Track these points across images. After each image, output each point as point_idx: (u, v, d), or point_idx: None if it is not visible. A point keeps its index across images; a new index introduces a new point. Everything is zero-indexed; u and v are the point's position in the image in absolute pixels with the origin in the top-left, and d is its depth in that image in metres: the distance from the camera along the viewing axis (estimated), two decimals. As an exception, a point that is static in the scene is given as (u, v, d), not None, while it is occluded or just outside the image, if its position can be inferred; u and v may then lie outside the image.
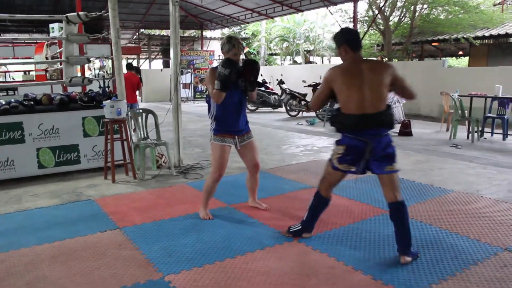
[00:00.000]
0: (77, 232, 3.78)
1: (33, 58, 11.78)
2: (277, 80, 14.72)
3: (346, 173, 3.25)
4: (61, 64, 7.02)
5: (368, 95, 3.00)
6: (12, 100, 5.80)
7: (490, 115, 8.73)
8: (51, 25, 8.33)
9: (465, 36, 15.63)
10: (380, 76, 3.05)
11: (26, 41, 16.11)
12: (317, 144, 8.28)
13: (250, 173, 4.24)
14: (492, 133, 8.82)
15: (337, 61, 25.41)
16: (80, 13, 6.27)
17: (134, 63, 21.39)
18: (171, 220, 4.05)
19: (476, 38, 15.55)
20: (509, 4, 18.72)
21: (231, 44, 3.80)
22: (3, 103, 5.58)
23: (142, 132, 6.10)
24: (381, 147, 3.04)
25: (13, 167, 5.47)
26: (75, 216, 4.26)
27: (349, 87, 3.02)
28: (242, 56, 3.99)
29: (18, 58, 13.16)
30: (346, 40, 3.13)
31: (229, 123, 3.95)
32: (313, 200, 3.48)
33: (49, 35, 8.24)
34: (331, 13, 15.85)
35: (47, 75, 11.33)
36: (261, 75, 17.72)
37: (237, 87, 3.87)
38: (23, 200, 4.82)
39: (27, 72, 13.62)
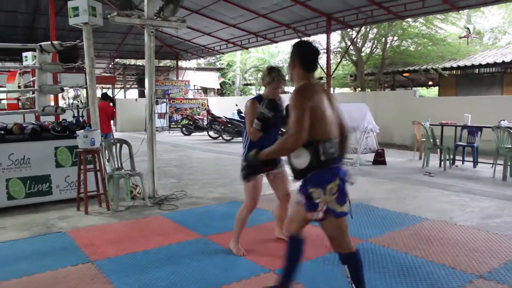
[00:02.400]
0: (47, 266, 3.64)
1: (5, 87, 11.56)
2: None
3: (343, 216, 2.72)
4: (33, 93, 6.91)
5: (333, 118, 2.63)
6: (-18, 129, 5.65)
7: (461, 143, 8.96)
8: (24, 54, 8.24)
9: (434, 67, 16.19)
10: (334, 100, 2.75)
11: (-2, 70, 15.83)
12: (289, 174, 8.30)
13: (280, 203, 4.15)
14: (463, 160, 9.04)
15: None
16: (54, 42, 6.23)
17: (109, 93, 21.26)
18: (145, 253, 3.95)
19: (445, 69, 16.13)
20: (474, 37, 19.55)
21: (271, 77, 3.68)
22: (-28, 132, 5.43)
23: (116, 162, 6.00)
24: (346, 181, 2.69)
25: (-20, 199, 5.29)
26: (45, 249, 4.12)
27: (322, 109, 2.54)
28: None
29: (-11, 87, 12.89)
30: (304, 59, 2.67)
31: None
32: (291, 248, 2.92)
33: (22, 64, 8.13)
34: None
35: (19, 104, 11.12)
36: (236, 105, 17.90)
37: (274, 125, 3.74)
38: (-10, 233, 4.64)
39: (-2, 101, 13.33)
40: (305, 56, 2.63)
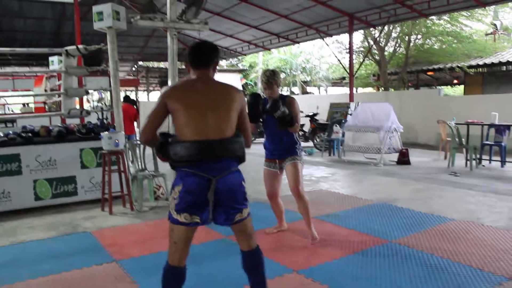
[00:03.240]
0: (73, 265, 3.71)
1: (32, 91, 11.88)
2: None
3: (192, 227, 2.40)
4: (59, 96, 7.06)
5: (214, 118, 2.39)
6: (10, 132, 5.81)
7: (488, 142, 8.75)
8: (50, 58, 8.43)
9: (459, 65, 15.86)
10: (228, 98, 2.49)
11: (26, 74, 16.27)
12: (315, 174, 8.26)
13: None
14: (490, 160, 8.83)
15: (334, 91, 25.72)
16: (79, 46, 6.36)
17: (133, 95, 21.55)
18: (167, 254, 3.97)
19: (470, 67, 15.78)
20: (501, 34, 19.08)
21: (261, 79, 4.14)
22: (1, 135, 5.59)
23: (140, 164, 6.07)
24: (227, 188, 2.37)
25: (9, 199, 5.42)
26: (71, 248, 4.19)
27: (190, 107, 2.38)
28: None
29: (17, 91, 13.26)
30: (189, 57, 2.57)
31: (269, 149, 4.27)
32: (164, 278, 2.54)
33: (48, 68, 8.33)
34: (327, 44, 16.08)
35: (46, 107, 11.40)
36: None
37: (273, 119, 3.98)
38: (18, 232, 4.76)
39: (26, 105, 13.70)
40: (189, 54, 2.57)
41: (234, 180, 2.42)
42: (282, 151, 4.16)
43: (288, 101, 4.03)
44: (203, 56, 2.54)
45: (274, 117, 3.89)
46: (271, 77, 4.00)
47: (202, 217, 2.37)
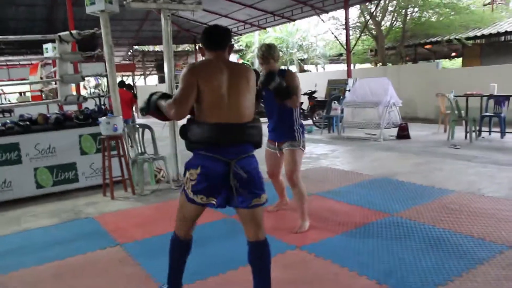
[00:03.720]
0: (78, 250, 3.73)
1: (28, 79, 11.79)
2: None
3: (205, 207, 2.49)
4: (55, 84, 7.01)
5: (236, 100, 2.38)
6: (8, 121, 5.78)
7: (487, 114, 8.73)
8: (44, 46, 8.33)
9: (457, 37, 15.71)
10: (245, 79, 2.46)
11: (20, 63, 16.13)
12: (315, 151, 8.26)
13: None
14: (489, 131, 8.82)
15: (332, 68, 25.57)
16: (72, 31, 6.28)
17: (129, 80, 21.43)
18: (171, 234, 3.99)
19: (468, 38, 15.63)
20: (499, 3, 18.86)
21: (257, 55, 3.99)
22: (-1, 124, 5.56)
23: (139, 147, 6.07)
24: (245, 171, 2.37)
25: (10, 188, 5.43)
26: (74, 234, 4.22)
27: (215, 88, 2.35)
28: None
29: (13, 80, 13.17)
30: (204, 40, 2.54)
31: (270, 130, 4.14)
32: (171, 248, 2.67)
33: (43, 56, 8.24)
34: (323, 21, 15.92)
35: (43, 95, 11.33)
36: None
37: (269, 97, 3.86)
38: (21, 221, 4.78)
39: (22, 94, 13.62)
40: (205, 37, 2.52)
41: (251, 164, 2.42)
42: (280, 131, 3.99)
43: (287, 74, 3.84)
44: (219, 37, 2.52)
45: (270, 90, 3.66)
46: (266, 51, 3.84)
47: (218, 199, 2.40)
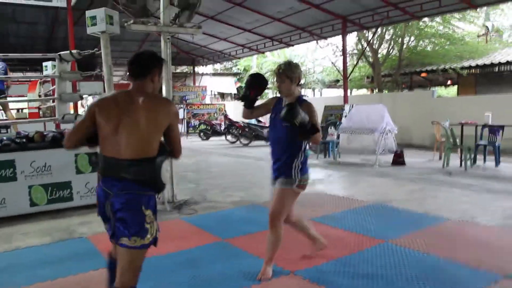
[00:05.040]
0: (69, 270, 3.68)
1: (26, 96, 11.80)
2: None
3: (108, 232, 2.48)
4: (53, 102, 7.04)
5: (125, 135, 2.28)
6: (4, 138, 5.77)
7: (482, 142, 8.81)
8: (44, 63, 8.41)
9: (452, 66, 15.96)
10: (153, 115, 2.33)
11: (19, 80, 16.20)
12: (310, 176, 8.25)
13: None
14: (484, 160, 8.88)
15: (329, 93, 25.80)
16: (72, 51, 6.34)
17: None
18: (165, 257, 3.97)
19: (463, 68, 15.89)
20: (493, 35, 19.23)
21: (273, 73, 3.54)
22: (-5, 141, 5.54)
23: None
24: (119, 207, 2.27)
25: (4, 206, 5.38)
26: (67, 254, 4.17)
27: (106, 120, 2.31)
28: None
29: (11, 96, 13.17)
30: (128, 66, 2.47)
31: (272, 162, 3.48)
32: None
33: (42, 73, 8.31)
34: (320, 47, 16.15)
35: (40, 112, 11.34)
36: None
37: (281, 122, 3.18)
38: (13, 239, 4.72)
39: (20, 110, 13.61)
40: (127, 65, 2.48)
41: (129, 202, 2.28)
42: (278, 165, 3.37)
43: (304, 106, 3.22)
44: (138, 66, 2.43)
45: (287, 123, 3.05)
46: (285, 68, 3.32)
47: (108, 227, 2.44)
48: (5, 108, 8.95)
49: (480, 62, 15.57)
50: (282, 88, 3.37)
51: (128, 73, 2.46)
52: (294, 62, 3.48)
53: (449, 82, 20.17)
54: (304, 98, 3.41)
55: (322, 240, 3.81)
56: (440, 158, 9.58)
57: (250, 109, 3.54)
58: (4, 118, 14.04)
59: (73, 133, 2.43)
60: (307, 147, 3.40)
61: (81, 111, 15.83)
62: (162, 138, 2.44)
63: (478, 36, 18.71)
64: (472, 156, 8.62)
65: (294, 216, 3.67)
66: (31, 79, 13.83)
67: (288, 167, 3.31)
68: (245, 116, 3.65)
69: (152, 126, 2.32)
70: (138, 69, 2.42)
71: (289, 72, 3.31)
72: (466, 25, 18.07)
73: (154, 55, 2.48)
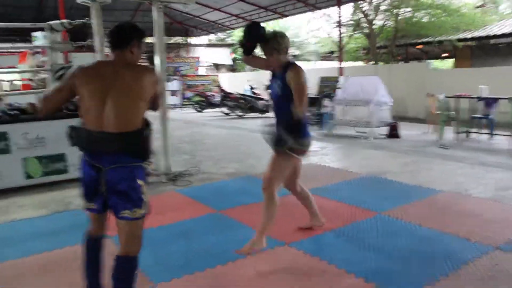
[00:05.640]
0: (66, 242, 3.71)
1: (17, 68, 11.63)
2: (264, 85, 14.75)
3: (91, 212, 2.46)
4: (46, 73, 6.93)
5: (112, 107, 2.24)
6: (-4, 110, 5.71)
7: (476, 115, 8.83)
8: (34, 34, 8.23)
9: (448, 38, 15.84)
10: (139, 85, 2.32)
11: (9, 51, 15.93)
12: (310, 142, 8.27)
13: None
14: (478, 133, 8.92)
15: (324, 65, 25.63)
16: (63, 21, 6.21)
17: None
18: (160, 228, 4.00)
19: (459, 40, 15.79)
20: (490, 7, 19.04)
21: None
22: (-13, 113, 5.48)
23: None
24: (116, 181, 2.27)
25: (-1, 178, 5.37)
26: (63, 226, 4.19)
27: (91, 93, 2.28)
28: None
29: (2, 67, 12.98)
30: (109, 36, 2.44)
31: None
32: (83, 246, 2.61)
33: (32, 44, 8.14)
34: (315, 18, 15.95)
35: (33, 84, 11.20)
36: (248, 80, 17.79)
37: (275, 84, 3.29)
38: (9, 211, 4.73)
39: (11, 82, 13.43)
40: (108, 36, 2.46)
41: (125, 174, 2.27)
42: (276, 128, 3.27)
43: (289, 71, 3.15)
44: (118, 37, 2.40)
45: (275, 82, 3.23)
46: (271, 40, 3.23)
47: (96, 205, 2.37)
48: None
49: (476, 34, 15.48)
50: (271, 61, 3.29)
51: (109, 44, 2.43)
52: (279, 32, 3.37)
53: (445, 54, 20.07)
54: (291, 62, 3.27)
55: (321, 219, 3.82)
56: (434, 130, 9.61)
57: (248, 55, 3.44)
58: (-4, 89, 13.85)
59: (48, 100, 2.43)
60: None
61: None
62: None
63: (475, 7, 18.53)
64: (467, 129, 8.65)
65: (299, 186, 3.66)
66: (21, 50, 13.60)
67: (282, 130, 3.20)
68: (245, 61, 3.60)
69: (139, 97, 2.32)
70: (118, 40, 2.40)
71: (276, 45, 3.22)
72: (463, -4, 17.90)
73: (134, 27, 2.48)
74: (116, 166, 2.26)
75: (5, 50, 15.12)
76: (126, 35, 2.41)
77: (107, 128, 2.23)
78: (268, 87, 3.62)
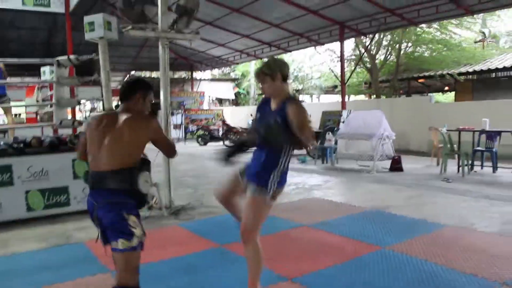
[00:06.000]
0: (67, 276, 3.67)
1: (24, 101, 11.83)
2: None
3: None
4: (51, 107, 7.04)
5: (106, 150, 2.52)
6: (1, 142, 5.76)
7: (479, 148, 8.82)
8: (42, 68, 8.41)
9: (449, 72, 16.02)
10: (132, 131, 2.55)
11: (18, 85, 16.21)
12: (308, 182, 8.26)
13: None
14: (482, 166, 8.90)
15: (326, 99, 25.88)
16: (70, 56, 6.35)
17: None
18: (161, 263, 3.96)
19: (460, 74, 15.96)
20: (490, 41, 19.33)
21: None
22: (-8, 146, 5.53)
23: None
24: (103, 214, 2.47)
25: (0, 210, 5.36)
26: (64, 259, 4.15)
27: (91, 139, 2.61)
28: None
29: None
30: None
31: (252, 158, 3.21)
32: None
33: (40, 79, 8.31)
34: (318, 53, 16.21)
35: (38, 117, 11.34)
36: (251, 114, 17.91)
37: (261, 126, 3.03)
38: (10, 244, 4.70)
39: (17, 115, 13.62)
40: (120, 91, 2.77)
41: (113, 210, 2.47)
42: (253, 169, 3.02)
43: (289, 108, 2.82)
44: (123, 90, 2.74)
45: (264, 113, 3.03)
46: (265, 68, 2.95)
47: (99, 237, 2.58)
48: (7, 112, 8.98)
49: (477, 67, 15.65)
50: (265, 89, 2.97)
51: (119, 96, 2.75)
52: (274, 58, 3.13)
53: (446, 88, 20.25)
54: (293, 97, 2.95)
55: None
56: (437, 164, 9.60)
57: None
58: (1, 122, 14.02)
59: (78, 151, 2.88)
60: (287, 161, 2.97)
61: (79, 116, 15.84)
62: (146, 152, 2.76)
63: (475, 42, 18.82)
64: (470, 162, 8.63)
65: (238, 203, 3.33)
66: (29, 84, 13.84)
67: (264, 176, 2.89)
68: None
69: (132, 142, 2.56)
70: (123, 93, 2.72)
71: (267, 70, 2.91)
72: (463, 31, 18.17)
73: (138, 80, 2.82)
74: (105, 201, 2.49)
75: (14, 84, 15.40)
76: (131, 89, 2.72)
77: (102, 169, 2.51)
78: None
